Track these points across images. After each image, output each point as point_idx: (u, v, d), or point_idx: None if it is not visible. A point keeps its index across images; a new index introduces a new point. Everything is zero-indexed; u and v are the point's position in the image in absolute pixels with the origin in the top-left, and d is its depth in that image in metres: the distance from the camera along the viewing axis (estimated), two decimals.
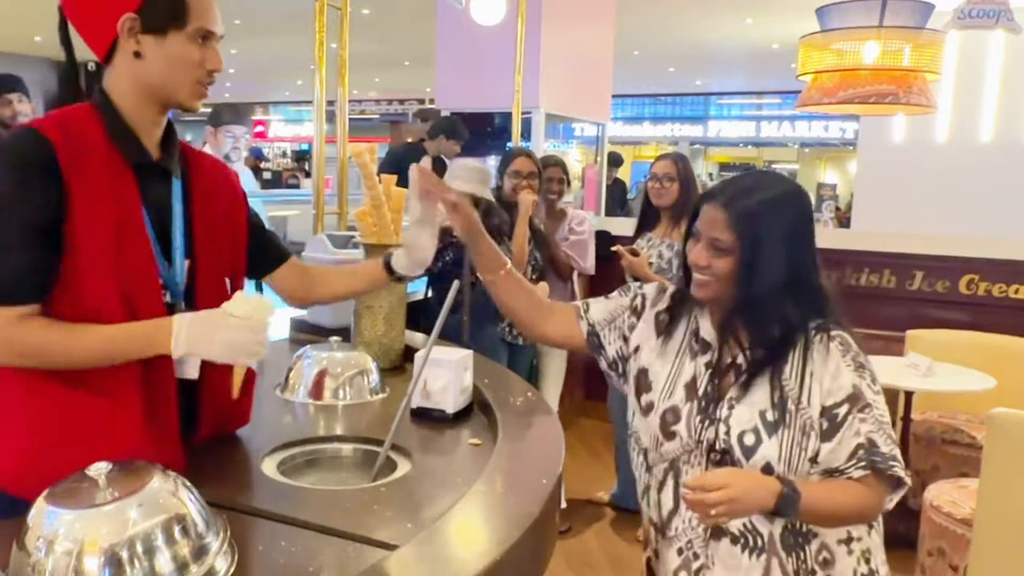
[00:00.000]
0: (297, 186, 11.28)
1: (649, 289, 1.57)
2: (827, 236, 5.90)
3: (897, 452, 1.33)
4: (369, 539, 1.13)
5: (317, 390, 1.79)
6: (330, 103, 2.85)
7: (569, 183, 3.72)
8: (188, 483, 1.02)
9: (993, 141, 5.82)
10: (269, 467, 1.43)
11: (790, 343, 1.37)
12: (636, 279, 3.15)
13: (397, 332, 2.13)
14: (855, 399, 1.34)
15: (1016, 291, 4.04)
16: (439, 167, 4.53)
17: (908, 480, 1.33)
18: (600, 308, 1.59)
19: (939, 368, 3.27)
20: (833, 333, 1.39)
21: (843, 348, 1.37)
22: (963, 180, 5.71)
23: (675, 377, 1.46)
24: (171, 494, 0.99)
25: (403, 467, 1.46)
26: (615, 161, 8.12)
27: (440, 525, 1.14)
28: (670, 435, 1.43)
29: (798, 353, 1.37)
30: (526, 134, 5.05)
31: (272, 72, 13.75)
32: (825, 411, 1.33)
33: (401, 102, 16.50)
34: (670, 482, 1.45)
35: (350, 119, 3.06)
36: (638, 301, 1.56)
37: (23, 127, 1.22)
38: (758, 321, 1.38)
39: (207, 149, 3.82)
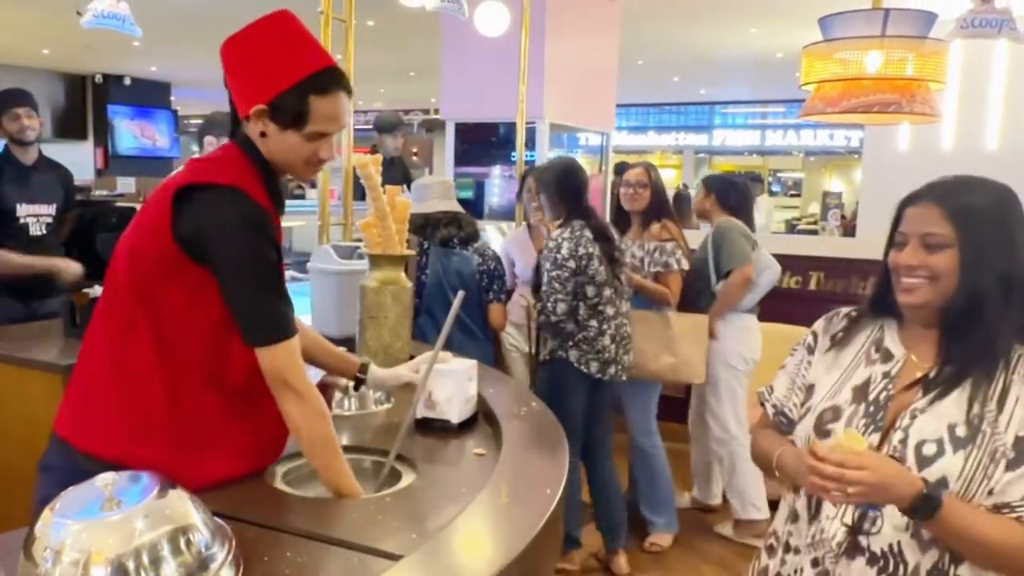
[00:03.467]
0: (303, 197, 11.31)
1: (819, 322, 1.45)
2: (833, 245, 5.90)
3: None
4: (374, 549, 1.14)
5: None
6: None
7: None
8: (194, 494, 1.03)
9: (998, 149, 5.81)
10: (275, 478, 1.44)
11: (997, 358, 1.24)
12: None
13: (403, 342, 2.14)
14: None
15: None
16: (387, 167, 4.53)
17: None
18: (781, 382, 1.48)
19: None
20: None
21: None
22: None
23: (843, 381, 1.34)
24: (177, 505, 1.00)
25: (408, 477, 1.46)
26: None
27: (445, 535, 1.14)
28: (824, 434, 1.30)
29: (1002, 373, 1.23)
30: (530, 144, 5.06)
31: None
32: (1019, 441, 1.19)
33: (406, 112, 16.59)
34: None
35: (355, 130, 3.08)
36: (810, 339, 1.45)
37: (237, 191, 1.32)
38: (969, 328, 1.24)
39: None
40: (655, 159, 18.37)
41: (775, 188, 18.04)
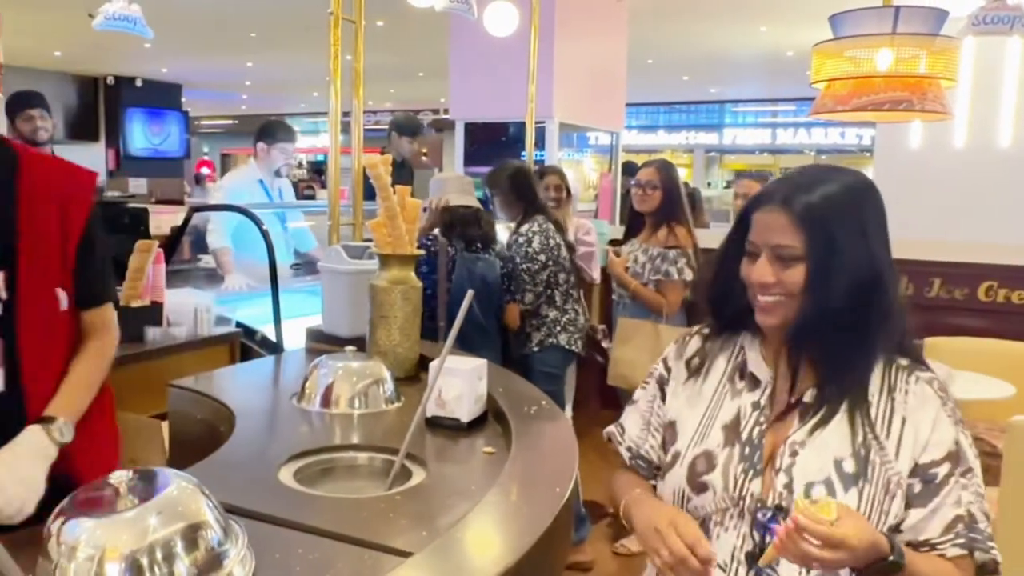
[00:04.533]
0: (313, 197, 11.35)
1: (670, 348, 1.33)
2: None
3: (990, 530, 1.11)
4: (384, 547, 1.14)
5: (333, 399, 1.80)
6: (345, 115, 2.88)
7: (569, 192, 3.75)
8: (207, 491, 1.04)
9: (1012, 146, 5.77)
10: (285, 476, 1.45)
11: (869, 374, 1.13)
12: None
13: (412, 342, 2.14)
14: (957, 459, 1.10)
15: None
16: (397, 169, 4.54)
17: (1000, 563, 1.11)
18: (633, 421, 1.34)
19: (958, 376, 3.24)
20: (927, 376, 1.15)
21: (942, 395, 1.13)
22: (981, 186, 5.65)
23: (710, 419, 1.20)
24: (190, 502, 1.01)
25: (418, 475, 1.47)
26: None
27: (455, 533, 1.15)
28: (700, 487, 1.17)
29: (883, 391, 1.13)
30: (540, 144, 5.06)
31: (288, 84, 13.86)
32: (919, 469, 1.09)
33: (416, 113, 16.62)
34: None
35: (365, 130, 3.08)
36: (660, 369, 1.32)
37: None
38: (836, 342, 1.12)
39: (255, 163, 3.88)
40: (666, 158, 18.35)
41: None
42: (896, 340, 1.15)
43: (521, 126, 4.81)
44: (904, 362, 1.16)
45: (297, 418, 1.78)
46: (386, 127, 4.97)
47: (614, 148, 6.46)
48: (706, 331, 1.29)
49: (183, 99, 13.68)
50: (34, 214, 1.35)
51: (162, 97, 13.04)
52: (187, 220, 3.36)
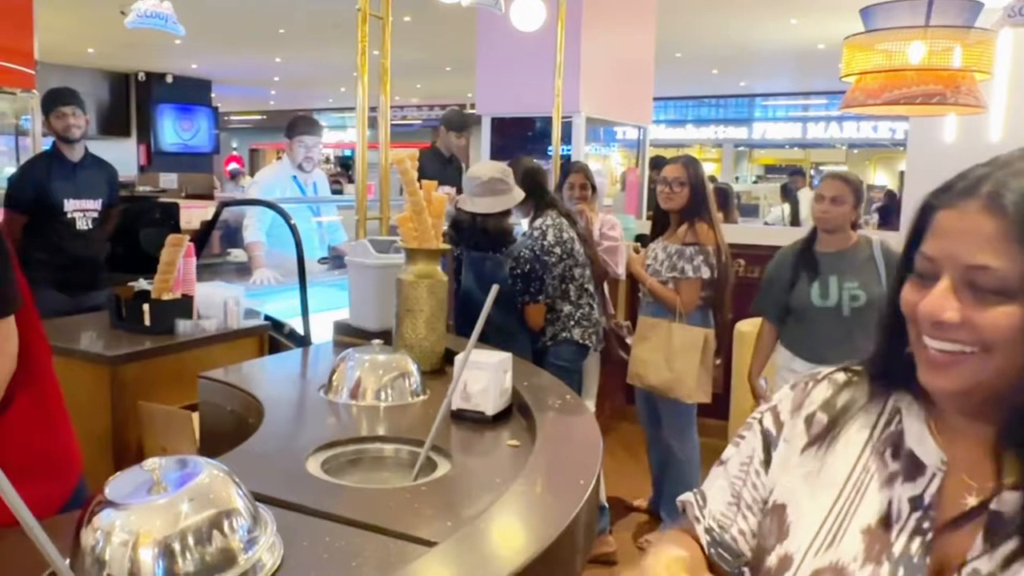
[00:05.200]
0: (340, 192, 11.44)
1: (783, 393, 0.92)
2: None
3: None
4: (410, 536, 1.16)
5: (360, 391, 1.83)
6: (372, 110, 2.90)
7: (594, 188, 3.74)
8: (237, 479, 1.06)
9: None
10: (313, 466, 1.47)
11: None
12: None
13: (438, 335, 2.16)
14: None
15: None
16: (440, 161, 4.56)
17: None
18: (719, 489, 0.93)
19: None
20: None
21: None
22: None
23: (843, 515, 0.80)
24: (221, 489, 1.03)
25: (443, 467, 1.49)
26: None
27: (479, 523, 1.16)
28: None
29: None
30: (567, 138, 5.05)
31: (315, 80, 13.97)
32: None
33: (443, 108, 16.66)
34: None
35: (392, 125, 3.10)
36: (767, 422, 0.91)
37: None
38: None
39: (287, 158, 3.94)
40: (694, 153, 18.22)
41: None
42: None
43: (548, 120, 4.81)
44: None
45: (325, 410, 1.81)
46: (413, 122, 4.99)
47: (641, 142, 6.42)
48: (843, 378, 0.88)
49: (212, 95, 13.85)
50: None
51: (192, 93, 13.21)
52: (217, 215, 3.41)
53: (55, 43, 9.81)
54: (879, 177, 17.40)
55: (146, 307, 2.52)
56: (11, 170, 4.10)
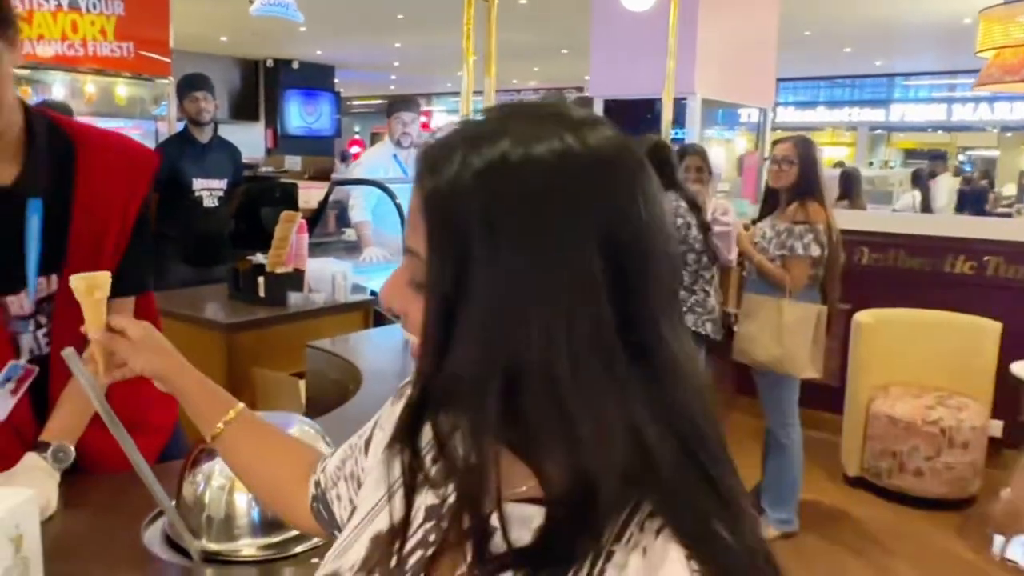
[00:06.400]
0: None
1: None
2: (1013, 227, 5.33)
3: None
4: None
5: None
6: (479, 93, 2.93)
7: (710, 172, 3.64)
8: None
9: None
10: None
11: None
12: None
13: None
14: None
15: None
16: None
17: None
18: (341, 449, 0.87)
19: None
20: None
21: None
22: None
23: (371, 516, 0.70)
24: (311, 443, 1.09)
25: None
26: None
27: None
28: None
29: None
30: (681, 121, 4.93)
31: (434, 64, 14.21)
32: None
33: (560, 91, 16.62)
34: None
35: None
36: (384, 408, 0.83)
37: None
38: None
39: (388, 139, 4.06)
40: (826, 136, 17.31)
41: (967, 168, 16.15)
42: None
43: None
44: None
45: None
46: None
47: (762, 125, 6.19)
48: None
49: (335, 80, 14.36)
50: (91, 212, 1.31)
51: (316, 78, 13.74)
52: (328, 194, 3.54)
53: (192, 33, 10.45)
54: None
55: (261, 279, 2.67)
56: None
